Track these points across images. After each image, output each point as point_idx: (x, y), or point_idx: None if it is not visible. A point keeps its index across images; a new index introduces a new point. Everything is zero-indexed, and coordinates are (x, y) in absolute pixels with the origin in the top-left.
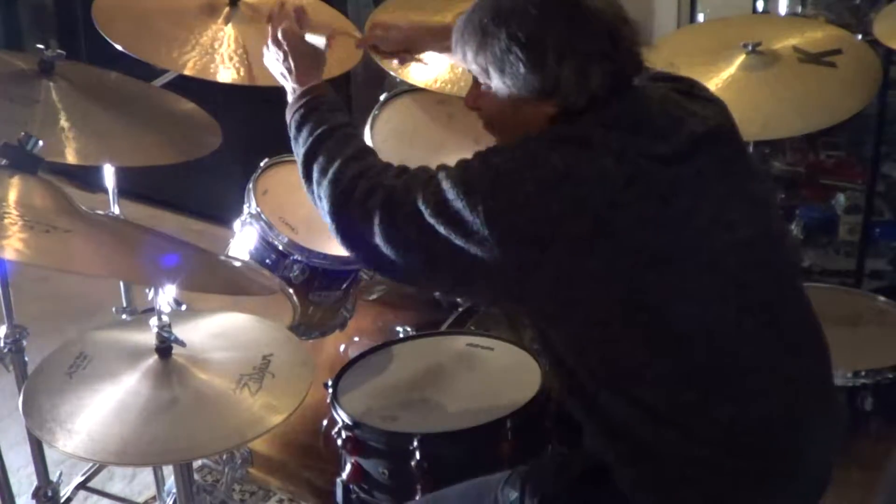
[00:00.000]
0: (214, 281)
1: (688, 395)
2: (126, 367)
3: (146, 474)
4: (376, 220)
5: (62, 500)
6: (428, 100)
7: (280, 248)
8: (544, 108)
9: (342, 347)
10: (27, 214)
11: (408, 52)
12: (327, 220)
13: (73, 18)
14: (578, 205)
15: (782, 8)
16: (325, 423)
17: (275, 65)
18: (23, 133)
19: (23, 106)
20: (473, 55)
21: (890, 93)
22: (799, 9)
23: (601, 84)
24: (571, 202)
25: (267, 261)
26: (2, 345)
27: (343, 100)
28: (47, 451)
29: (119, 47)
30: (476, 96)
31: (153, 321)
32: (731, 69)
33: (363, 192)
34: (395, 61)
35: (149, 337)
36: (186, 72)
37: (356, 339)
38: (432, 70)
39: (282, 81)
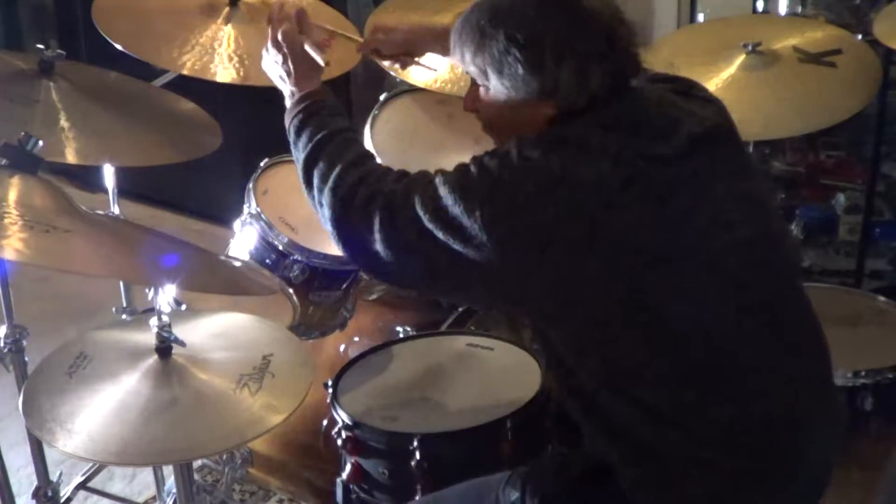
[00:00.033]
0: (214, 281)
1: (688, 395)
2: (126, 367)
3: (146, 474)
4: (376, 226)
5: (62, 500)
6: (428, 100)
7: (280, 248)
8: (543, 109)
9: (342, 347)
10: (27, 214)
11: (409, 54)
12: (328, 227)
13: (73, 18)
14: (575, 208)
15: (782, 8)
16: (325, 423)
17: (273, 68)
18: (23, 133)
19: (23, 106)
20: (471, 56)
21: (890, 93)
22: (799, 9)
23: (601, 84)
24: (568, 205)
25: (267, 261)
26: (2, 345)
27: (343, 100)
28: (47, 451)
29: (119, 47)
30: (474, 98)
31: (153, 321)
32: (731, 69)
33: (363, 199)
34: (398, 65)
35: (149, 337)
36: (186, 72)
37: (356, 339)
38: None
39: (280, 85)
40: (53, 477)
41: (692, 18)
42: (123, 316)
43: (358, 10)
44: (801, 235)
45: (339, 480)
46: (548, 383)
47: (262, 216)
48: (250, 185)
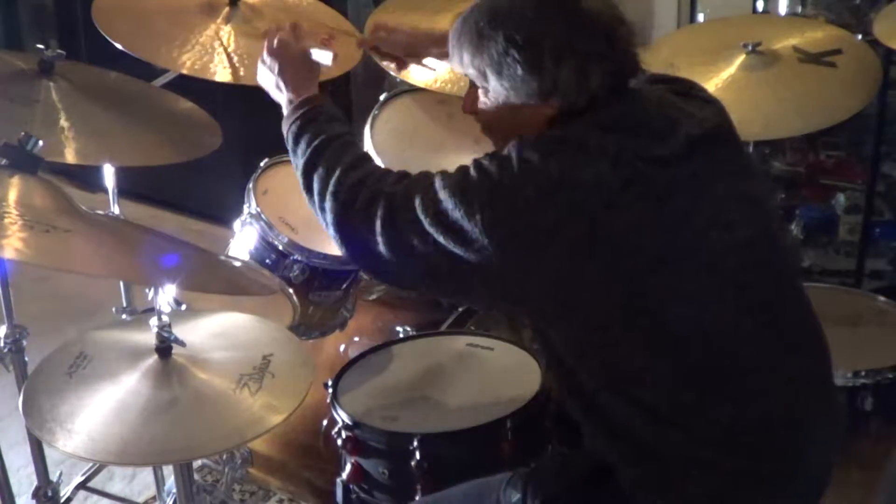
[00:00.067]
0: (214, 281)
1: (688, 395)
2: (126, 367)
3: (146, 474)
4: (378, 228)
5: (62, 500)
6: (428, 100)
7: (280, 248)
8: (543, 109)
9: (342, 347)
10: (27, 214)
11: (408, 56)
12: (330, 231)
13: (73, 18)
14: (575, 208)
15: (782, 8)
16: (325, 423)
17: (269, 77)
18: (23, 133)
19: (23, 106)
20: (470, 58)
21: (890, 93)
22: (799, 9)
23: (601, 84)
24: (568, 207)
25: (267, 261)
26: (2, 345)
27: (343, 100)
28: (47, 451)
29: (119, 47)
30: (473, 100)
31: (153, 321)
32: (731, 69)
33: (364, 202)
34: (394, 65)
35: (149, 337)
36: (186, 71)
37: (356, 339)
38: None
39: (276, 95)
40: (53, 477)
41: (692, 18)
42: (123, 316)
43: (358, 10)
44: (801, 235)
45: (339, 480)
46: (548, 383)
47: (262, 216)
48: (250, 185)
